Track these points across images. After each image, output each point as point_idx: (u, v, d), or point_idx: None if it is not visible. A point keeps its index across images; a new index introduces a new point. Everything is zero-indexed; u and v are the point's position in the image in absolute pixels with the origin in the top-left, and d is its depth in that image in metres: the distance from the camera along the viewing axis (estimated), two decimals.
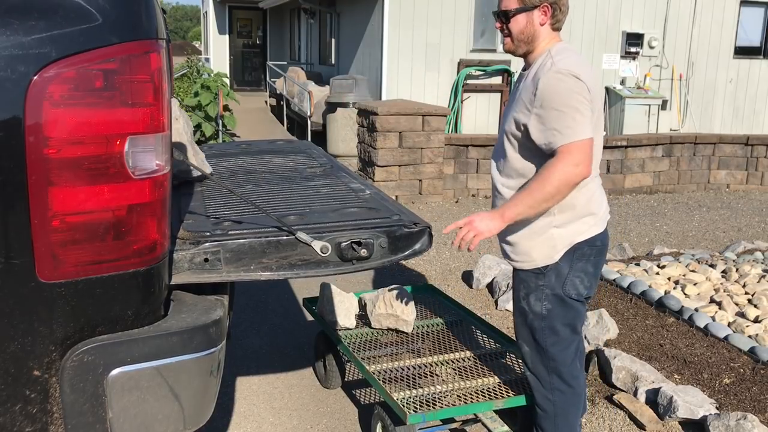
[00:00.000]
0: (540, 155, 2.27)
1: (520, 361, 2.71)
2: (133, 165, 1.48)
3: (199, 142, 10.78)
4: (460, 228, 2.26)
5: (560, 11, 2.32)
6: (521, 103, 2.30)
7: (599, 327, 3.79)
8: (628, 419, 3.11)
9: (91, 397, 1.49)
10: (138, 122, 1.47)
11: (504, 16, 2.33)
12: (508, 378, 2.83)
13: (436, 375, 2.92)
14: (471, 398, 2.70)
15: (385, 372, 2.89)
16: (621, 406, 3.17)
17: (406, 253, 1.89)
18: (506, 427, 2.77)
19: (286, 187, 2.37)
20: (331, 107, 9.77)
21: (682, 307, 4.14)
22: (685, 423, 3.01)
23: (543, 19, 2.31)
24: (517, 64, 10.45)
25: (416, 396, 2.69)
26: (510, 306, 4.38)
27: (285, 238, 1.76)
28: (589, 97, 2.20)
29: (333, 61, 13.78)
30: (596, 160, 2.33)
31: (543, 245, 2.36)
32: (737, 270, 4.68)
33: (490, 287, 4.76)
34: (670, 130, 11.67)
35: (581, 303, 2.42)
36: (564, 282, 2.37)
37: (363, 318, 3.37)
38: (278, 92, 14.25)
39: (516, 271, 2.48)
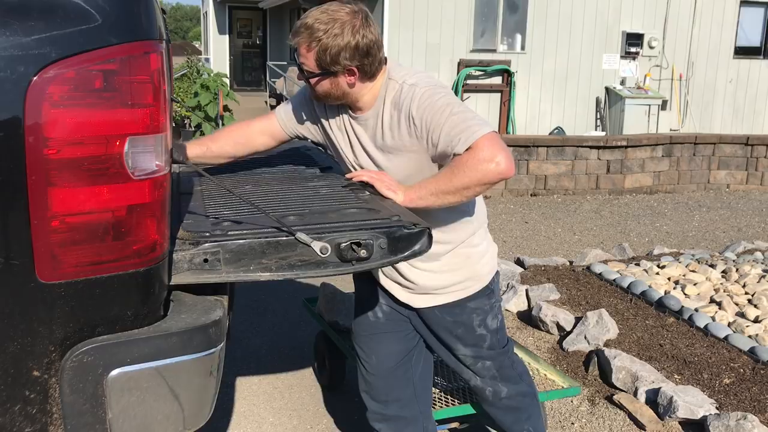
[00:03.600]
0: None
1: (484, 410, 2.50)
2: (132, 165, 1.48)
3: None
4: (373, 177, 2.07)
5: (373, 59, 1.97)
6: (394, 144, 2.04)
7: (599, 327, 3.79)
8: (628, 419, 3.11)
9: (90, 398, 1.49)
10: (138, 123, 1.47)
11: (302, 74, 2.02)
12: None
13: (436, 375, 2.91)
14: (471, 398, 2.70)
15: None
16: (621, 406, 3.17)
17: (406, 254, 1.89)
18: None
19: (286, 187, 2.37)
20: None
21: (682, 307, 4.14)
22: (685, 423, 3.01)
23: (351, 80, 1.99)
24: (516, 64, 10.47)
25: None
26: (510, 306, 4.37)
27: (284, 238, 1.76)
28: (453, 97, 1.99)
29: None
30: None
31: (482, 266, 2.22)
32: (737, 270, 4.68)
33: None
34: (670, 130, 11.67)
35: None
36: (498, 286, 2.34)
37: None
38: (278, 92, 14.26)
39: (460, 306, 2.22)
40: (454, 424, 2.97)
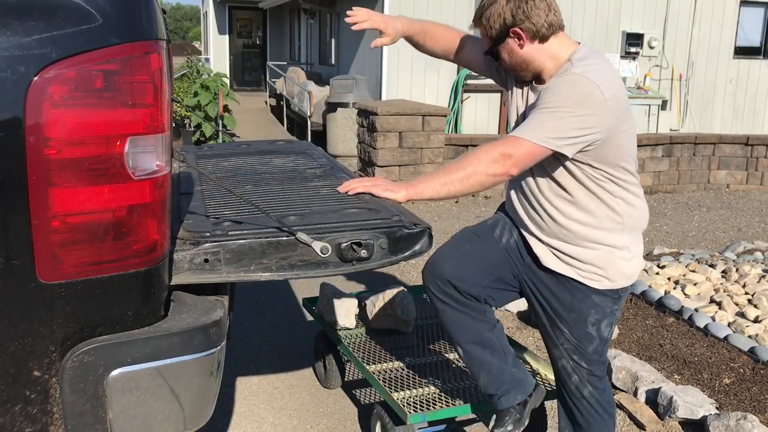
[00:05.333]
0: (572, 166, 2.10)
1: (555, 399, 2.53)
2: (133, 165, 1.48)
3: (198, 142, 10.79)
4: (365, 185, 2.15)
5: (536, 16, 2.05)
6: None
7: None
8: (628, 419, 3.11)
9: (91, 398, 1.49)
10: (138, 123, 1.48)
11: (492, 55, 2.19)
12: None
13: (436, 375, 2.92)
14: (471, 398, 2.70)
15: (385, 372, 2.89)
16: (621, 407, 3.17)
17: (406, 254, 1.89)
18: None
19: (286, 187, 2.38)
20: (331, 107, 9.77)
21: (682, 307, 4.14)
22: (685, 423, 3.01)
23: (522, 43, 2.09)
24: None
25: (416, 396, 2.69)
26: (510, 306, 4.37)
27: (285, 238, 1.76)
28: (596, 110, 1.97)
29: (333, 61, 13.78)
30: (634, 177, 2.19)
31: (619, 271, 2.20)
32: (737, 270, 4.69)
33: None
34: (670, 130, 11.67)
35: None
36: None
37: (363, 318, 3.37)
38: (278, 92, 14.26)
39: (582, 291, 2.21)
40: (455, 424, 2.97)
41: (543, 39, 2.08)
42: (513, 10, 2.05)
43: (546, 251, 2.24)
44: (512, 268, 2.34)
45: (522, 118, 2.20)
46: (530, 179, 2.21)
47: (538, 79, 2.17)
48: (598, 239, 2.17)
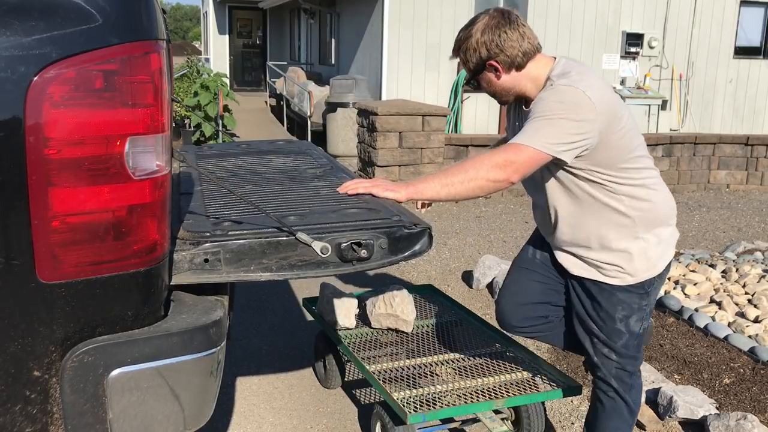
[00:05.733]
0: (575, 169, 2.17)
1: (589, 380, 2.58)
2: (133, 165, 1.48)
3: (198, 142, 10.79)
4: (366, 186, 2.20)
5: (510, 48, 2.13)
6: None
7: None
8: None
9: (91, 398, 1.49)
10: (138, 123, 1.48)
11: (472, 85, 2.28)
12: (508, 378, 2.83)
13: (436, 375, 2.92)
14: (471, 398, 2.70)
15: (385, 372, 2.89)
16: None
17: (406, 254, 1.89)
18: (506, 427, 2.77)
19: (286, 187, 2.38)
20: (331, 107, 9.77)
21: (682, 307, 4.14)
22: (685, 423, 3.01)
23: (499, 74, 2.18)
24: None
25: (416, 396, 2.69)
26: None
27: (285, 238, 1.76)
28: (585, 116, 2.03)
29: (333, 61, 13.79)
30: (649, 161, 2.24)
31: (640, 263, 2.23)
32: (737, 270, 4.69)
33: (490, 287, 4.76)
34: (670, 130, 11.67)
35: None
36: (657, 296, 2.34)
37: (363, 318, 3.37)
38: (278, 92, 14.26)
39: (607, 290, 2.27)
40: (455, 424, 2.97)
41: (519, 67, 2.17)
42: (487, 44, 2.13)
43: (569, 259, 2.35)
44: (557, 280, 2.48)
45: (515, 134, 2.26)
46: (543, 194, 2.30)
47: (526, 102, 2.25)
48: (612, 240, 2.23)
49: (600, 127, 2.05)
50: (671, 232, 2.30)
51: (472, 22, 2.19)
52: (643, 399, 3.17)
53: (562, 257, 2.37)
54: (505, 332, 2.71)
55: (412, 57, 10.24)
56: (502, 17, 2.14)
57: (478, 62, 2.17)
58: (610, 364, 2.35)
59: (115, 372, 1.50)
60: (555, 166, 2.17)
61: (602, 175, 2.15)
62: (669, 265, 2.31)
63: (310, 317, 4.25)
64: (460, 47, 2.20)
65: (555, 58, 2.24)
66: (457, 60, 2.29)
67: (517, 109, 2.35)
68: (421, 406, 2.62)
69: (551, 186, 2.25)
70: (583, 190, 2.19)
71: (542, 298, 2.51)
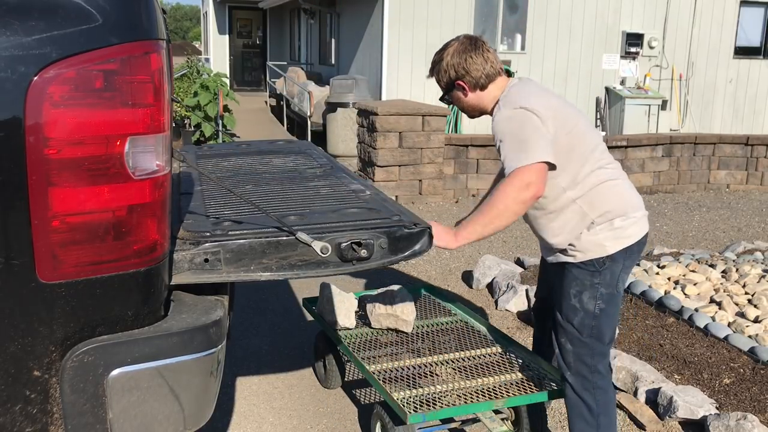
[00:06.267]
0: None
1: (556, 362, 2.67)
2: (133, 165, 1.48)
3: (198, 142, 10.79)
4: None
5: (482, 75, 2.47)
6: None
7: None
8: (628, 419, 3.11)
9: (91, 398, 1.49)
10: (138, 123, 1.48)
11: (445, 101, 2.63)
12: (508, 378, 2.83)
13: (436, 375, 2.92)
14: (471, 398, 2.70)
15: (385, 372, 2.89)
16: (621, 406, 3.17)
17: (406, 253, 1.89)
18: (506, 427, 2.77)
19: (286, 187, 2.38)
20: (331, 107, 9.77)
21: (682, 307, 4.14)
22: (685, 423, 3.01)
23: (466, 92, 2.52)
24: (516, 64, 10.47)
25: (416, 396, 2.69)
26: (510, 306, 4.38)
27: (285, 238, 1.76)
28: (538, 122, 2.32)
29: (333, 61, 13.79)
30: (606, 160, 2.47)
31: (588, 242, 2.44)
32: (737, 270, 4.69)
33: (490, 287, 4.76)
34: (670, 130, 11.67)
35: (621, 297, 2.55)
36: (617, 280, 2.46)
37: (363, 318, 3.37)
38: (278, 92, 14.26)
39: (565, 268, 2.51)
40: (455, 424, 2.97)
41: (482, 88, 2.51)
42: (455, 66, 2.49)
43: (547, 251, 2.65)
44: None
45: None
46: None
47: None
48: (567, 224, 2.47)
49: (553, 129, 2.34)
50: (629, 223, 2.45)
51: (444, 47, 2.53)
52: (643, 399, 3.18)
53: (543, 252, 2.70)
54: (504, 332, 2.76)
55: (412, 57, 10.24)
56: (469, 43, 2.49)
57: (448, 82, 2.52)
58: (567, 354, 2.51)
59: (115, 372, 1.50)
60: None
61: (561, 173, 2.39)
62: (627, 254, 2.44)
63: (310, 317, 4.25)
64: (434, 68, 2.56)
65: (510, 77, 2.58)
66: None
67: None
68: (421, 406, 2.62)
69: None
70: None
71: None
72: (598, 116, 11.53)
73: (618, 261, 2.43)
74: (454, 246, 2.39)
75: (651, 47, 11.33)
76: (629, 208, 2.46)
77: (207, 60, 20.81)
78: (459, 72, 2.47)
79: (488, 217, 2.33)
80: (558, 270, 2.56)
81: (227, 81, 12.44)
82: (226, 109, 11.21)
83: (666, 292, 4.42)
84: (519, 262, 5.31)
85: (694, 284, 4.46)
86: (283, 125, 13.49)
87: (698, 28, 11.67)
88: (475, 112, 2.59)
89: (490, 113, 2.53)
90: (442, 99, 2.64)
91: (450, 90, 2.55)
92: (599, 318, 2.44)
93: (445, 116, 7.73)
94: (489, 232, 2.37)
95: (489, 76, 2.48)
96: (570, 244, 2.47)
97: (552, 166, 2.33)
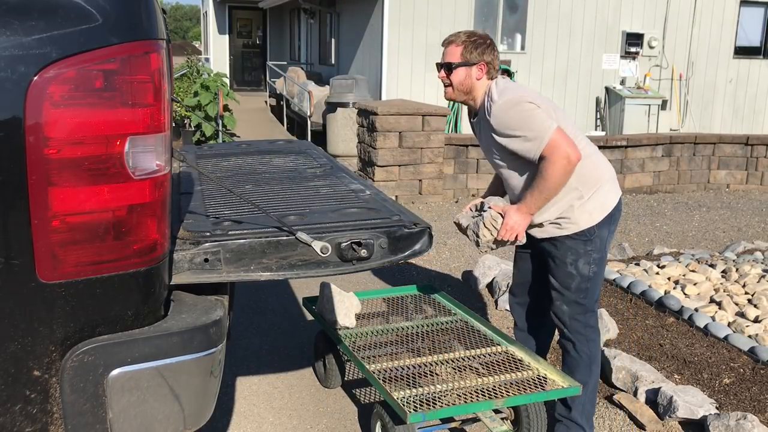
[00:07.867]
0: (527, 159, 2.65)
1: (558, 325, 2.88)
2: (133, 165, 1.48)
3: (198, 142, 10.79)
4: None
5: (494, 69, 2.72)
6: (492, 138, 2.68)
7: (599, 327, 3.79)
8: (628, 419, 3.11)
9: (91, 398, 1.50)
10: (138, 122, 1.48)
11: (447, 68, 2.72)
12: (508, 378, 2.84)
13: (436, 374, 2.92)
14: (471, 398, 2.70)
15: (385, 371, 2.89)
16: (621, 406, 3.17)
17: (406, 253, 1.89)
18: (506, 427, 2.77)
19: (286, 187, 2.38)
20: (331, 107, 9.77)
21: (682, 307, 4.14)
22: (685, 423, 3.01)
23: (479, 75, 2.70)
24: (516, 64, 10.47)
25: (416, 395, 2.69)
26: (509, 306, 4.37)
27: (285, 238, 1.76)
28: (532, 99, 2.58)
29: (333, 61, 13.78)
30: (579, 137, 2.71)
31: (580, 214, 2.68)
32: (737, 270, 4.69)
33: (490, 287, 4.76)
34: (670, 130, 11.67)
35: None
36: (605, 244, 2.75)
37: (363, 318, 3.37)
38: (278, 92, 14.25)
39: (557, 241, 2.74)
40: (455, 424, 2.97)
41: (490, 77, 2.72)
42: (486, 48, 2.70)
43: (535, 231, 2.79)
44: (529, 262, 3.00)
45: (486, 142, 2.77)
46: (509, 176, 2.76)
47: (477, 113, 2.77)
48: (560, 199, 2.67)
49: (547, 110, 2.58)
50: (607, 191, 2.74)
51: (475, 31, 2.76)
52: (643, 399, 3.18)
53: (531, 231, 2.82)
54: (504, 332, 2.82)
55: (412, 57, 10.24)
56: (490, 39, 2.77)
57: (475, 57, 2.68)
58: (563, 315, 2.79)
59: (115, 372, 1.50)
60: (514, 154, 2.66)
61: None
62: (612, 219, 2.74)
63: (310, 317, 4.25)
64: (468, 38, 2.70)
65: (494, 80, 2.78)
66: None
67: (480, 125, 2.78)
68: (421, 405, 2.62)
69: (515, 167, 2.72)
70: (528, 169, 2.67)
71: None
72: (598, 116, 11.53)
73: (604, 227, 2.72)
74: (530, 219, 2.65)
75: (651, 47, 11.33)
76: (608, 177, 2.75)
77: (207, 60, 20.81)
78: (487, 54, 2.68)
79: (542, 187, 2.55)
80: (548, 246, 2.78)
81: (227, 81, 12.44)
82: (226, 109, 11.21)
83: (666, 292, 4.42)
84: None
85: (694, 284, 4.46)
86: (283, 125, 13.49)
87: (698, 28, 11.67)
88: (465, 96, 2.75)
89: (473, 103, 2.76)
90: (447, 65, 2.72)
91: (470, 64, 2.68)
92: (593, 279, 2.75)
93: (445, 116, 7.73)
94: (545, 199, 2.60)
95: (497, 70, 2.75)
96: (563, 217, 2.69)
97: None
